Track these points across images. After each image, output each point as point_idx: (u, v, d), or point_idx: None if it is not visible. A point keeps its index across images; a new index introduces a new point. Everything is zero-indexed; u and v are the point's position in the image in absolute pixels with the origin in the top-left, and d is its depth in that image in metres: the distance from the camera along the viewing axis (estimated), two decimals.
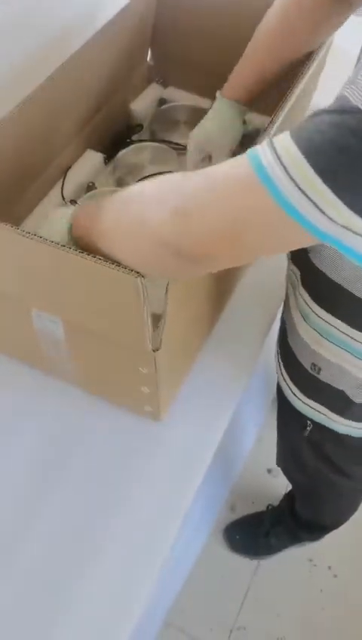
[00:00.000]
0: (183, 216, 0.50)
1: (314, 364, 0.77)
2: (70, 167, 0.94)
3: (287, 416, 0.94)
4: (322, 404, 0.82)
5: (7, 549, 0.72)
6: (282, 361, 0.87)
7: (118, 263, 0.55)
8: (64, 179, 0.93)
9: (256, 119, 1.06)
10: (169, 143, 1.02)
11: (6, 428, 0.81)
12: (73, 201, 0.92)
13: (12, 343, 0.84)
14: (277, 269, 0.97)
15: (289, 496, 1.40)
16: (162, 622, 1.38)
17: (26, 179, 0.86)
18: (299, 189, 0.43)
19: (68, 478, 0.77)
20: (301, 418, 0.88)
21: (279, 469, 1.59)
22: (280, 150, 0.44)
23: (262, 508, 1.51)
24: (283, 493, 1.45)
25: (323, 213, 0.43)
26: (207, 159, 0.89)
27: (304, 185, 0.43)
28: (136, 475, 0.77)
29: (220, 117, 0.88)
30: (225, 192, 0.48)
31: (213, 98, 1.09)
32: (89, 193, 0.93)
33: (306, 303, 0.72)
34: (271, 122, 0.70)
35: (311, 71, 0.76)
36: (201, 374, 0.85)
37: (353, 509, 1.23)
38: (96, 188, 0.95)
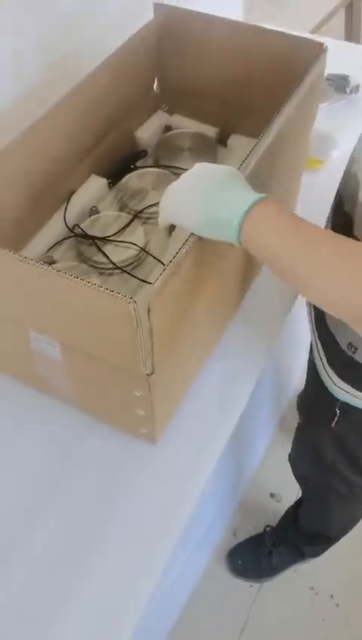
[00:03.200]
0: None
1: (350, 344, 0.78)
2: (74, 192, 0.96)
3: (315, 406, 0.95)
4: (354, 386, 0.83)
5: None
6: (320, 343, 0.87)
7: (112, 290, 0.56)
8: (67, 203, 0.95)
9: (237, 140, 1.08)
10: (172, 168, 1.04)
11: (2, 444, 0.82)
12: (77, 226, 0.93)
13: (11, 362, 0.85)
14: (277, 298, 0.98)
15: (292, 509, 1.40)
16: None
17: (30, 204, 0.87)
18: None
19: (62, 496, 0.77)
20: (331, 406, 0.88)
21: (281, 494, 1.59)
22: None
23: None
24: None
25: None
26: None
27: None
28: (130, 496, 0.77)
29: None
30: None
31: (216, 125, 1.12)
32: (91, 217, 0.95)
33: None
34: (256, 146, 0.71)
35: (299, 99, 0.78)
36: (199, 395, 0.86)
37: (360, 517, 1.22)
38: (99, 212, 0.97)
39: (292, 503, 1.41)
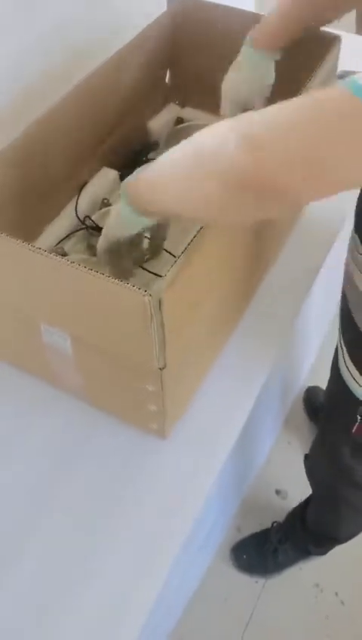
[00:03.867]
0: (255, 146, 0.47)
1: None
2: (85, 184, 0.96)
3: (336, 410, 0.94)
4: None
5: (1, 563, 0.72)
6: (346, 345, 0.86)
7: (126, 282, 0.55)
8: (78, 195, 0.94)
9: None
10: None
11: (10, 437, 0.81)
12: (88, 218, 0.93)
13: (22, 354, 0.84)
14: (288, 293, 0.97)
15: (300, 508, 1.39)
16: None
17: (42, 196, 0.87)
18: None
19: (68, 492, 0.77)
20: (352, 411, 0.88)
21: (287, 490, 1.59)
22: None
23: None
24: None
25: None
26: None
27: None
28: (138, 491, 0.77)
29: (245, 65, 0.87)
30: (311, 113, 0.46)
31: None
32: (103, 209, 0.94)
33: None
34: None
35: (318, 79, 0.77)
36: (210, 391, 0.85)
37: None
38: (110, 204, 0.96)
39: (298, 500, 1.40)
